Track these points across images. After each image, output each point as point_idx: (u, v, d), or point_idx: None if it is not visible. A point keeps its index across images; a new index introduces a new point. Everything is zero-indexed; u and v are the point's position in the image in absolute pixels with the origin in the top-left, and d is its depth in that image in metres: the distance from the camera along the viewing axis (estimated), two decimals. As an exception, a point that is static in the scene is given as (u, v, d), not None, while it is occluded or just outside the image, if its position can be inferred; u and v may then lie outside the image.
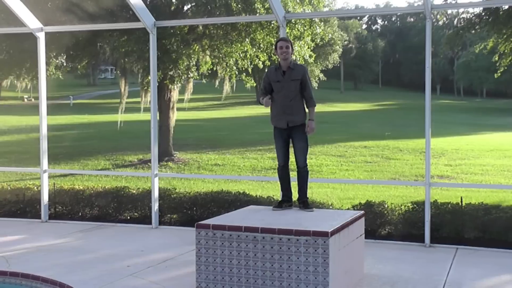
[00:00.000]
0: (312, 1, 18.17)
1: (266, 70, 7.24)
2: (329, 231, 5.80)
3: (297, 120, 6.92)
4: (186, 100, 21.94)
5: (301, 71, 6.88)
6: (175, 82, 19.68)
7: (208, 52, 19.10)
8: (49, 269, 7.22)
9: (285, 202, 7.12)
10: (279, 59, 6.95)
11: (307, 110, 7.03)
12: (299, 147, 6.96)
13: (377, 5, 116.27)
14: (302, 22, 17.26)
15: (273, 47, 7.38)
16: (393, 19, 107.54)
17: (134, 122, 30.15)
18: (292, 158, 7.10)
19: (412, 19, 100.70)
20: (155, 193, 10.00)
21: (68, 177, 18.70)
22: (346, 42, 67.74)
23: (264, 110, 12.09)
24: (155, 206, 9.99)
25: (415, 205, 9.17)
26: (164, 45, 17.53)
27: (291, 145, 7.09)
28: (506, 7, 14.40)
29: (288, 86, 6.85)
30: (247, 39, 18.06)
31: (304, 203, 7.06)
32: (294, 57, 17.37)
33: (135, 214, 10.55)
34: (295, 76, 6.84)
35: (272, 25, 17.04)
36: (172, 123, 21.56)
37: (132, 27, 14.82)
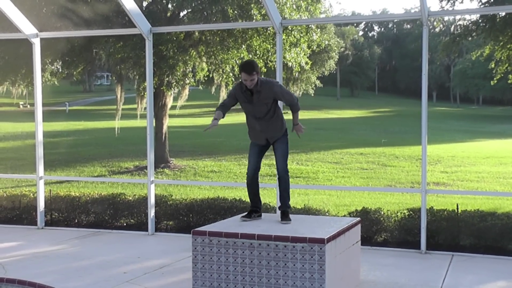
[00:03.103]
0: (309, 8, 18.16)
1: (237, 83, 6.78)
2: (325, 238, 5.81)
3: (276, 136, 6.75)
4: (179, 106, 21.92)
5: (270, 91, 6.51)
6: (172, 88, 19.66)
7: (204, 59, 19.10)
8: (45, 275, 7.21)
9: (254, 213, 6.88)
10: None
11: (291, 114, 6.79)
12: (280, 151, 6.73)
13: (373, 11, 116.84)
14: (299, 28, 17.28)
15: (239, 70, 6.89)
16: (390, 26, 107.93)
17: (130, 129, 30.13)
18: (263, 168, 6.90)
19: (408, 26, 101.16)
20: (151, 200, 9.99)
21: (64, 183, 18.68)
22: (342, 49, 67.82)
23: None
24: (151, 213, 9.98)
25: (411, 212, 9.18)
26: (160, 51, 17.53)
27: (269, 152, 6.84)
28: (503, 14, 14.47)
29: (259, 109, 6.60)
30: (243, 46, 18.06)
31: (283, 214, 6.79)
32: (292, 61, 17.38)
33: (131, 220, 10.53)
34: (264, 99, 6.53)
35: (269, 31, 17.06)
36: (168, 129, 21.53)
37: (128, 33, 14.81)
